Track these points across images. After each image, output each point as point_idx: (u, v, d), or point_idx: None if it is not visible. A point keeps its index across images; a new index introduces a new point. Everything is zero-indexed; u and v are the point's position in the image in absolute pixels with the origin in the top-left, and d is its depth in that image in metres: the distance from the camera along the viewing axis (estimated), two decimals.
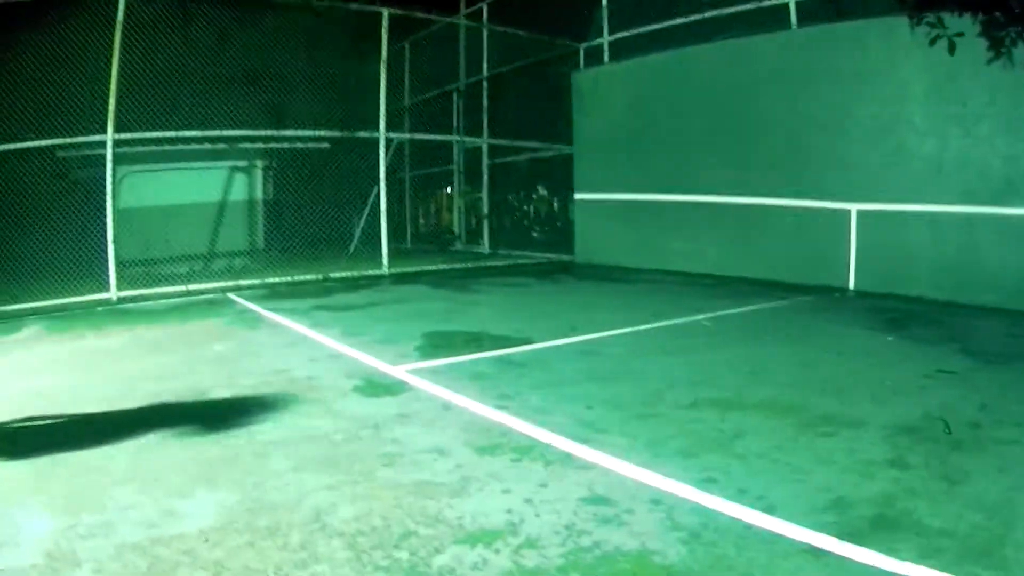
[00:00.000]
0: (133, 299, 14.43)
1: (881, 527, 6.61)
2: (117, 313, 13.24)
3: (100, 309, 13.51)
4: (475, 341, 10.38)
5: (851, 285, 12.38)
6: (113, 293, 14.01)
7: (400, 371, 9.21)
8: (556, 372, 10.38)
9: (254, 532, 6.28)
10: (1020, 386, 8.92)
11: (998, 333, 9.11)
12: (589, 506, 7.02)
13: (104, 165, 12.60)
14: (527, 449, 8.18)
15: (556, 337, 10.52)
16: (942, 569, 5.91)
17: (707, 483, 7.42)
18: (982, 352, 8.88)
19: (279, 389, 8.48)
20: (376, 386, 9.47)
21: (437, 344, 10.32)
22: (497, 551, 6.27)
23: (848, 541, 6.45)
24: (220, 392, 8.28)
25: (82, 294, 13.61)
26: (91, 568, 5.66)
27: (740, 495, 7.22)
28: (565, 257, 19.97)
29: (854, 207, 12.46)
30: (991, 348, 8.88)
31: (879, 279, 12.39)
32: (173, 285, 14.84)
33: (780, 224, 13.68)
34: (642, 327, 10.83)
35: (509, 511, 6.84)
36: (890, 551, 6.25)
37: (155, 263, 15.74)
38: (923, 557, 6.08)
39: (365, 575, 5.86)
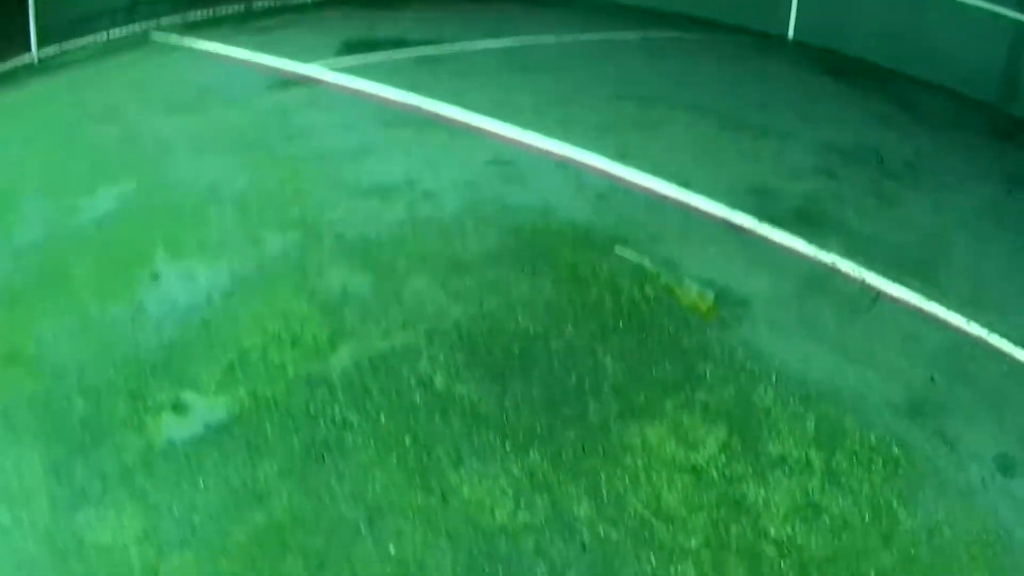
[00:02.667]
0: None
1: (805, 220, 6.59)
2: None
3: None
4: (395, 45, 9.91)
5: (790, 34, 11.77)
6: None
7: (314, 69, 8.87)
8: (476, 65, 9.82)
9: (148, 212, 6.15)
10: (958, 148, 8.52)
11: (940, 105, 8.94)
12: (492, 167, 6.88)
13: None
14: (434, 124, 7.82)
15: (481, 38, 10.01)
16: (871, 270, 5.99)
17: (620, 157, 7.19)
18: (922, 113, 8.69)
19: (192, 97, 8.14)
20: (289, 84, 8.96)
21: (355, 49, 9.82)
22: (392, 203, 6.26)
23: (768, 224, 6.43)
24: (132, 107, 7.85)
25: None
26: None
27: (655, 169, 7.04)
28: None
29: None
30: (932, 112, 8.70)
31: (821, 32, 10.91)
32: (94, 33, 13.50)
33: None
34: (580, 36, 10.51)
35: (408, 171, 6.71)
36: (813, 241, 6.30)
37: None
38: (850, 254, 6.15)
39: (252, 231, 5.85)
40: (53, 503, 3.98)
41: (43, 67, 10.05)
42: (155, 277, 5.40)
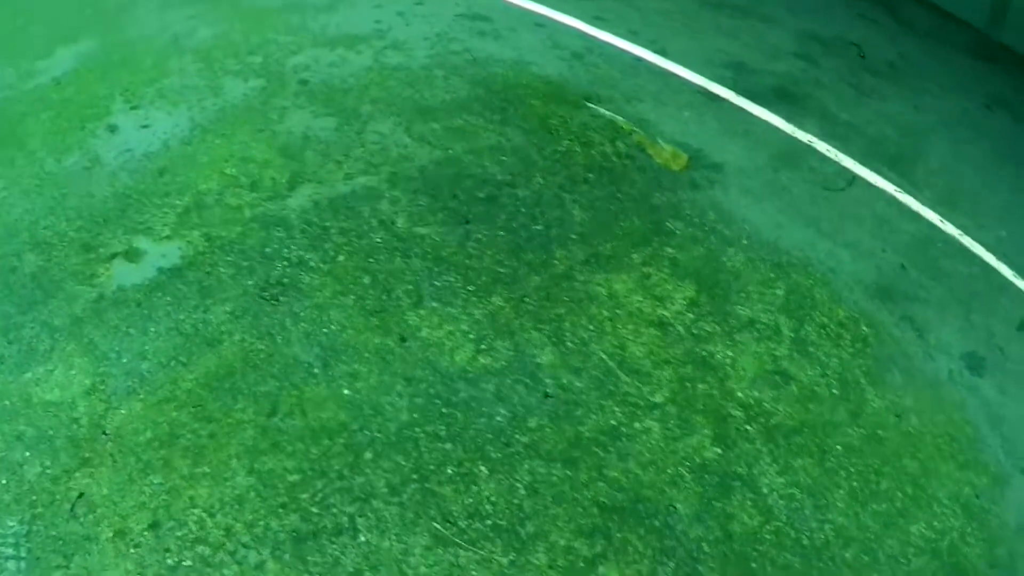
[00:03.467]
0: None
1: (783, 98, 6.40)
2: None
3: None
4: None
5: None
6: None
7: None
8: None
9: (107, 67, 5.86)
10: (941, 60, 8.22)
11: (927, 18, 8.70)
12: (466, 21, 6.58)
13: None
14: None
15: None
16: (848, 155, 5.87)
17: (597, 20, 6.94)
18: (908, 21, 8.43)
19: None
20: None
21: None
22: (359, 52, 6.00)
23: (746, 97, 6.24)
24: None
25: None
26: None
27: (632, 36, 6.79)
28: None
29: None
30: (919, 23, 8.45)
31: None
32: None
33: None
34: None
35: (378, 22, 6.43)
36: (791, 119, 6.13)
37: None
38: (827, 136, 5.99)
39: (214, 79, 5.63)
40: (1, 363, 3.86)
41: None
42: (112, 129, 5.22)
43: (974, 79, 7.56)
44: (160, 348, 3.94)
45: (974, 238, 5.26)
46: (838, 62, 7.17)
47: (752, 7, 7.93)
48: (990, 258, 5.13)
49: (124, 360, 3.89)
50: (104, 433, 3.62)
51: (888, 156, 5.87)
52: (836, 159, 5.67)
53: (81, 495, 3.40)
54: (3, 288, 4.16)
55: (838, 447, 3.95)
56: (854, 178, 5.52)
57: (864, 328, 4.48)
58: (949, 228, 5.30)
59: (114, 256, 4.35)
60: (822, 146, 5.77)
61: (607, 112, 5.52)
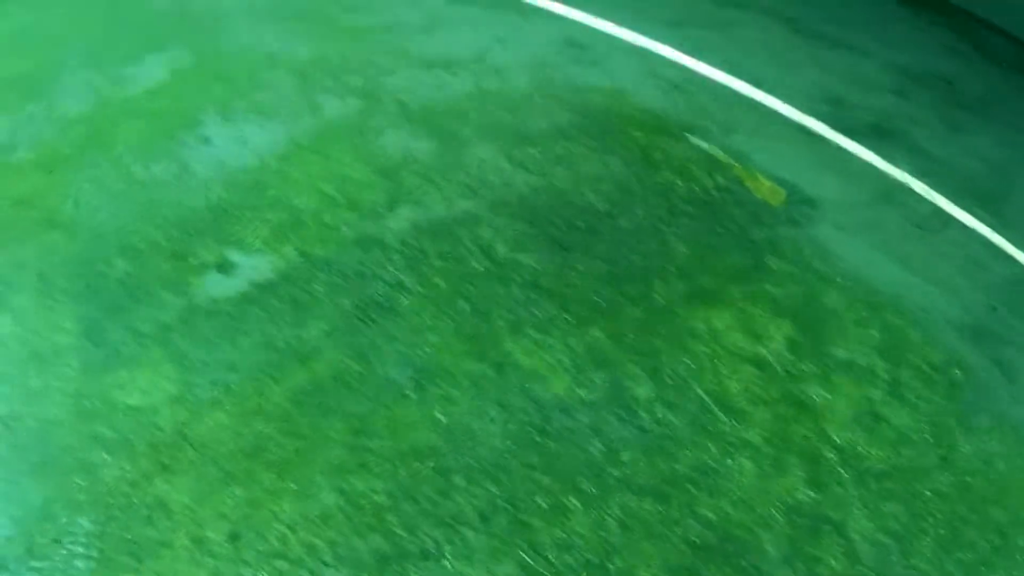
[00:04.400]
0: None
1: (878, 135, 6.32)
2: None
3: None
4: None
5: None
6: None
7: None
8: None
9: (200, 79, 5.90)
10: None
11: (1013, 50, 8.46)
12: (564, 48, 6.61)
13: None
14: (504, 3, 7.46)
15: None
16: (939, 192, 5.81)
17: (693, 50, 6.95)
18: (994, 53, 8.25)
19: None
20: None
21: None
22: (458, 75, 6.00)
23: (842, 133, 6.20)
24: None
25: None
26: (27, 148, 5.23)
27: (727, 66, 6.80)
28: None
29: None
30: (1004, 55, 8.24)
31: None
32: None
33: None
34: None
35: (476, 46, 6.44)
36: (886, 156, 6.05)
37: None
38: (921, 175, 5.94)
39: (310, 98, 5.69)
40: (84, 365, 3.83)
41: None
42: (205, 141, 5.22)
43: None
44: (250, 361, 3.92)
45: None
46: (929, 96, 7.07)
47: (842, 37, 7.86)
48: None
49: (212, 370, 3.87)
50: (187, 441, 3.59)
51: (979, 193, 5.79)
52: (930, 198, 5.59)
53: (159, 500, 3.37)
54: (90, 291, 4.17)
55: (927, 492, 3.84)
56: (949, 219, 5.43)
57: (957, 372, 4.38)
58: None
59: (206, 267, 4.37)
60: (917, 184, 5.69)
61: (706, 144, 5.50)
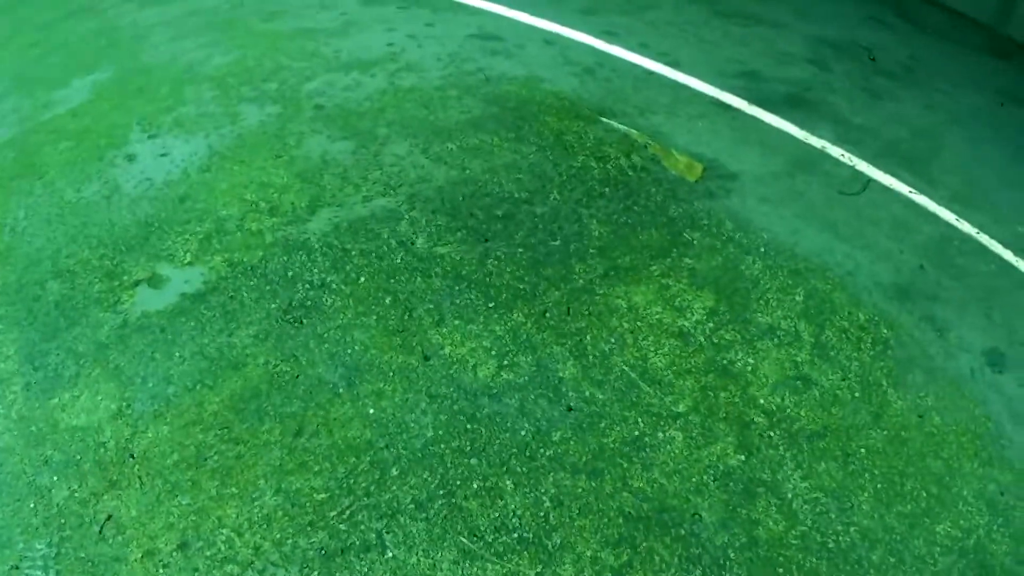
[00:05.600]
0: None
1: (796, 105, 6.42)
2: None
3: None
4: None
5: None
6: None
7: None
8: None
9: (123, 96, 6.00)
10: (953, 58, 8.24)
11: (937, 17, 8.68)
12: (477, 41, 6.68)
13: None
14: (417, 1, 7.61)
15: None
16: (860, 158, 5.87)
17: (607, 35, 7.05)
18: (918, 21, 8.40)
19: None
20: None
21: None
22: (373, 75, 6.10)
23: (759, 106, 6.26)
24: (106, 2, 7.71)
25: None
26: None
27: (642, 48, 6.88)
28: None
29: None
30: (928, 22, 8.42)
31: None
32: None
33: None
34: None
35: (390, 44, 6.56)
36: (804, 125, 6.15)
37: None
38: (841, 141, 6.01)
39: (230, 106, 5.73)
40: (27, 390, 3.91)
41: None
42: (130, 158, 5.27)
43: (986, 76, 7.56)
44: (185, 372, 3.98)
45: (991, 235, 5.25)
46: (850, 66, 7.18)
47: (762, 14, 7.95)
48: (1008, 255, 5.12)
49: (150, 384, 3.93)
50: (131, 456, 3.65)
51: (903, 157, 5.88)
52: (851, 163, 5.68)
53: (109, 517, 3.44)
54: (28, 316, 4.22)
55: (862, 450, 3.94)
56: (869, 181, 5.53)
57: (884, 330, 4.48)
58: (966, 227, 5.30)
59: (137, 283, 4.41)
60: (836, 151, 5.79)
61: (621, 126, 5.57)
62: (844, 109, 6.38)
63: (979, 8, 9.30)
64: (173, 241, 4.63)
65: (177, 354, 4.07)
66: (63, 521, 3.44)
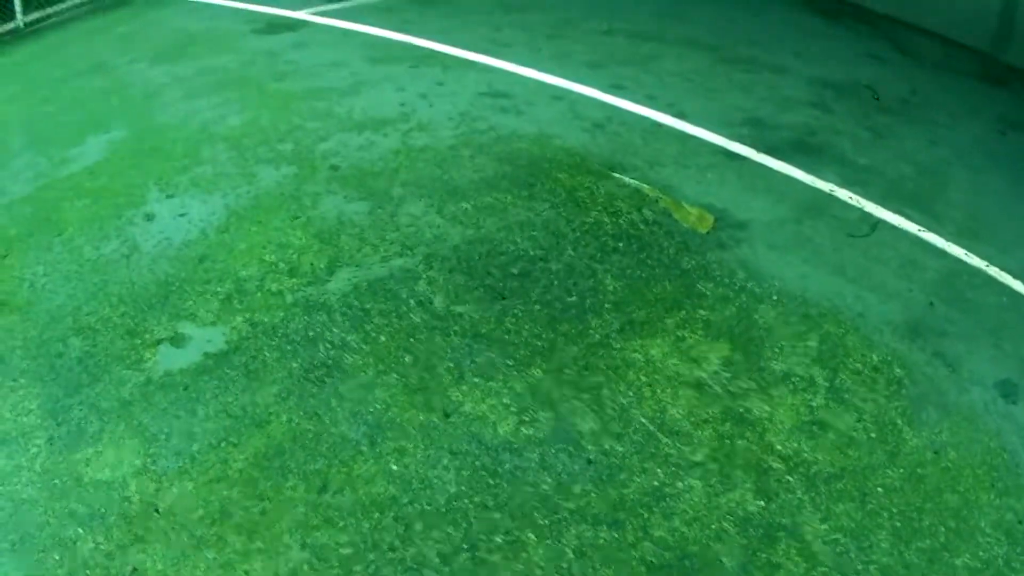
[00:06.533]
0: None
1: (801, 150, 6.54)
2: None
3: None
4: None
5: None
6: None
7: (302, 14, 9.03)
8: (465, 3, 9.92)
9: (139, 155, 6.10)
10: (952, 90, 8.45)
11: (934, 49, 8.86)
12: (487, 99, 6.81)
13: None
14: (426, 58, 7.77)
15: None
16: (867, 199, 5.96)
17: (614, 88, 7.19)
18: (916, 55, 8.65)
19: (180, 46, 8.21)
20: (276, 26, 9.01)
21: None
22: (386, 135, 6.21)
23: (766, 153, 6.39)
24: (120, 61, 7.94)
25: None
26: None
27: (649, 100, 7.05)
28: None
29: None
30: (926, 55, 8.66)
31: None
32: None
33: None
34: None
35: (402, 104, 6.68)
36: (811, 170, 6.24)
37: None
38: (847, 183, 6.11)
39: (246, 166, 5.84)
40: (51, 444, 3.97)
41: (29, 31, 9.85)
42: (149, 217, 5.36)
43: (986, 104, 7.69)
44: (209, 429, 4.05)
45: (1000, 267, 5.33)
46: (852, 105, 7.33)
47: (763, 58, 8.11)
48: (1018, 285, 5.20)
49: (173, 441, 4.00)
50: (156, 511, 3.69)
51: (909, 195, 5.98)
52: (859, 205, 5.77)
53: (135, 570, 3.48)
54: (50, 372, 4.30)
55: (879, 489, 3.98)
56: (878, 223, 5.61)
57: (897, 370, 4.55)
58: (974, 260, 5.38)
59: (159, 341, 4.51)
60: (843, 193, 5.89)
61: (632, 180, 5.68)
62: (849, 151, 6.49)
63: (975, 36, 9.43)
64: (194, 301, 4.73)
65: (201, 412, 4.14)
66: (88, 573, 3.47)
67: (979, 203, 6.05)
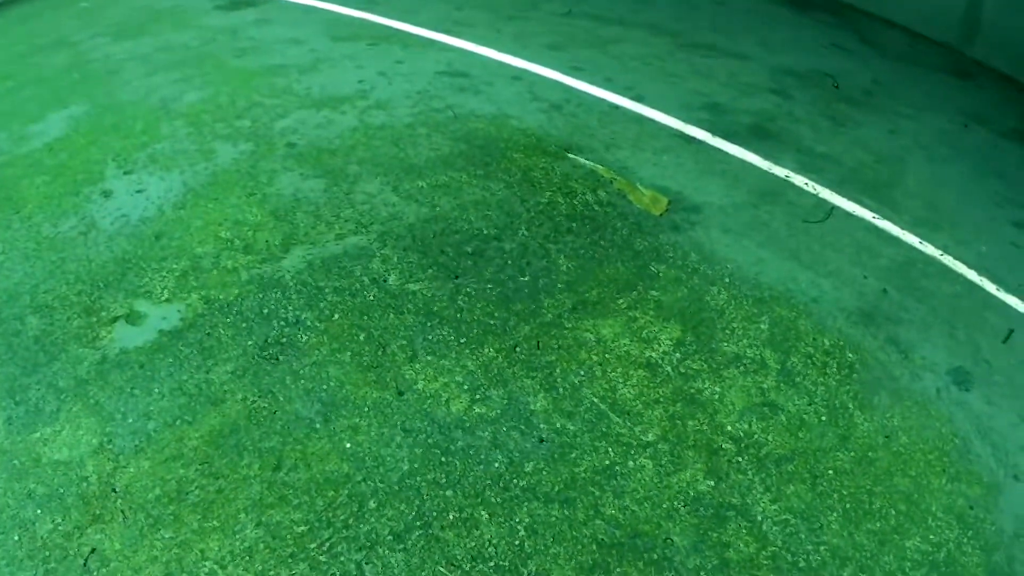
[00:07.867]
0: None
1: (759, 136, 6.58)
2: None
3: None
4: None
5: None
6: None
7: None
8: None
9: (98, 131, 6.07)
10: (916, 82, 8.54)
11: (899, 41, 8.99)
12: (446, 78, 6.84)
13: None
14: (387, 37, 7.77)
15: None
16: (823, 185, 6.02)
17: (574, 70, 7.21)
18: (880, 46, 8.75)
19: (141, 22, 8.12)
20: (239, 3, 8.96)
21: None
22: (344, 112, 6.22)
23: (723, 138, 6.42)
24: (82, 36, 7.82)
25: None
26: None
27: (607, 83, 7.06)
28: None
29: None
30: (891, 47, 8.79)
31: None
32: None
33: None
34: None
35: (361, 82, 6.69)
36: (768, 156, 6.28)
37: None
38: (804, 170, 6.16)
39: (204, 143, 5.83)
40: (9, 424, 3.97)
41: None
42: (107, 194, 5.33)
43: (949, 97, 7.75)
44: (165, 408, 4.06)
45: (955, 256, 5.40)
46: (813, 93, 7.35)
47: (725, 45, 8.13)
48: (972, 274, 5.27)
49: (130, 420, 4.00)
50: (114, 490, 3.71)
51: (866, 183, 6.02)
52: (814, 191, 5.82)
53: (93, 550, 3.49)
54: (7, 351, 4.28)
55: (829, 471, 4.04)
56: (833, 209, 5.66)
57: (849, 354, 4.60)
58: (929, 248, 5.44)
59: (115, 319, 4.49)
60: (799, 179, 5.92)
61: (587, 161, 5.69)
62: (807, 138, 6.53)
63: (941, 29, 9.52)
64: (150, 278, 4.70)
65: (156, 390, 4.14)
66: (48, 554, 3.49)
67: (937, 193, 6.12)
